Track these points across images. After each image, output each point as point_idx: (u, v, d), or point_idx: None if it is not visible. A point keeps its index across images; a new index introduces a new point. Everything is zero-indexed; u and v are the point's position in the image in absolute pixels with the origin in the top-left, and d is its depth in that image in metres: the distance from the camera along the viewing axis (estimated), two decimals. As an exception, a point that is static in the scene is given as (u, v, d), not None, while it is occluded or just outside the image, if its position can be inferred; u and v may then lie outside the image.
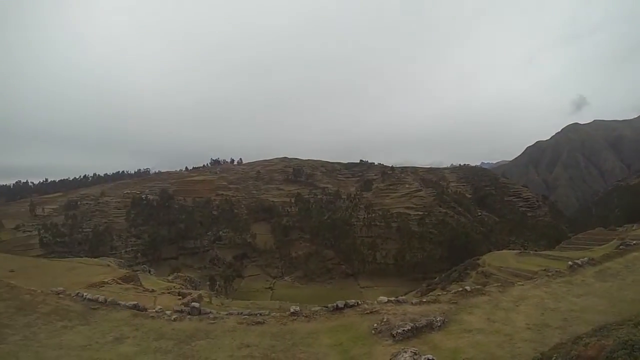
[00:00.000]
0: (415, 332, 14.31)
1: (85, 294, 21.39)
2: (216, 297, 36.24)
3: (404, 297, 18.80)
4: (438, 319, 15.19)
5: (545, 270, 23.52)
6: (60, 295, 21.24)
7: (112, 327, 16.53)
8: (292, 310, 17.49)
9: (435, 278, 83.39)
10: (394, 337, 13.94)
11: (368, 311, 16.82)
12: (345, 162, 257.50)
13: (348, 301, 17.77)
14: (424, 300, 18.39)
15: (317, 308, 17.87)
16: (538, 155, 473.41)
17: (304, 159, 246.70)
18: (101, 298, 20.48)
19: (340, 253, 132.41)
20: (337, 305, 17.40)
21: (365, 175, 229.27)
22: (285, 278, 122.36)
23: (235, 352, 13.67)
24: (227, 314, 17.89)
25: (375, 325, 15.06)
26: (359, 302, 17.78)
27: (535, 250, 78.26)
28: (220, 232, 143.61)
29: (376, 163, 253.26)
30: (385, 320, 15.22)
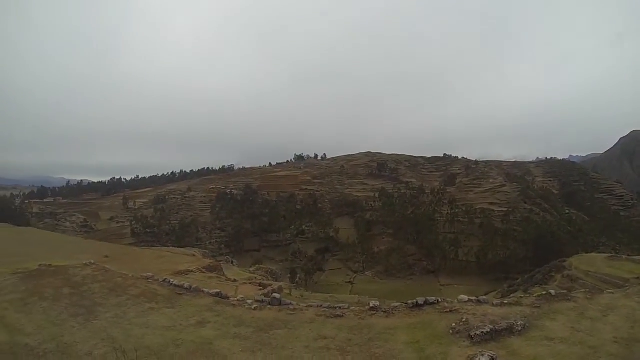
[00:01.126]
0: (494, 335, 14.35)
1: (172, 280, 24.68)
2: (296, 289, 38.63)
3: (485, 297, 18.68)
4: (519, 323, 15.06)
5: (638, 278, 21.71)
6: (149, 280, 24.73)
7: (195, 312, 18.98)
8: (371, 305, 18.36)
9: (517, 279, 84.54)
10: (471, 338, 14.14)
11: (447, 310, 17.07)
12: (429, 156, 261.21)
13: (428, 298, 18.15)
14: (505, 302, 18.13)
15: (397, 304, 18.51)
16: (633, 147, 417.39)
17: (388, 153, 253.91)
18: (186, 285, 23.57)
19: (422, 249, 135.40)
20: (416, 302, 17.89)
21: (449, 169, 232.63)
22: (366, 273, 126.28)
23: (311, 343, 14.94)
24: (306, 306, 19.38)
25: (453, 324, 15.33)
26: (439, 300, 18.07)
27: (629, 255, 72.02)
28: (304, 226, 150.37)
29: (460, 157, 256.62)
30: (464, 320, 15.43)
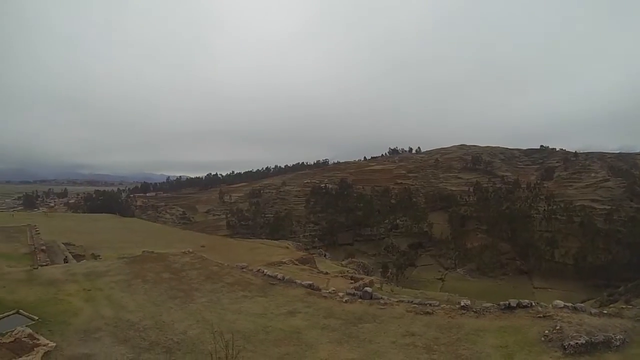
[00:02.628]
0: (589, 347, 13.22)
1: (265, 270, 25.96)
2: (387, 284, 38.57)
3: (582, 305, 17.21)
4: (618, 337, 13.66)
5: None
6: (244, 270, 26.22)
7: (287, 302, 19.86)
8: (462, 303, 17.89)
9: (619, 287, 79.23)
10: (564, 348, 13.21)
11: (541, 315, 16.06)
12: (525, 148, 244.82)
13: (521, 301, 17.20)
14: (604, 312, 16.50)
15: (488, 304, 17.82)
16: None
17: (482, 145, 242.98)
18: (279, 275, 24.65)
19: (516, 247, 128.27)
20: (509, 304, 17.11)
21: (546, 162, 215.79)
22: (458, 270, 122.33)
23: (399, 338, 14.98)
24: (396, 301, 19.34)
25: (546, 331, 14.43)
26: (532, 304, 17.04)
27: None
28: (398, 221, 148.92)
29: (557, 148, 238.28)
30: (557, 328, 14.44)
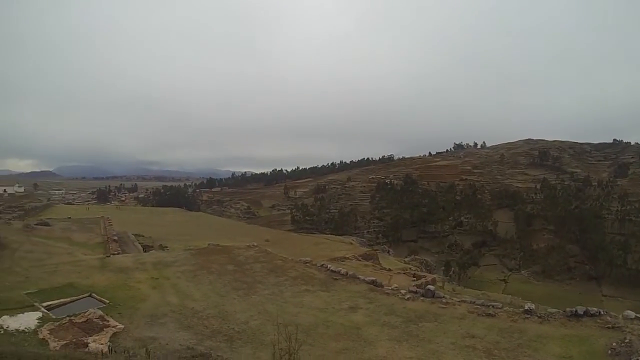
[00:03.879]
0: None
1: (329, 265, 26.23)
2: (448, 282, 37.69)
3: None
4: None
5: None
6: (307, 264, 26.71)
7: (349, 297, 20.02)
8: (526, 307, 17.27)
9: None
10: None
11: (609, 326, 14.99)
12: (596, 142, 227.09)
13: (589, 309, 16.18)
14: None
15: (553, 310, 17.08)
16: None
17: (550, 140, 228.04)
18: (342, 271, 24.89)
19: (585, 250, 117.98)
20: (575, 311, 16.16)
21: (620, 157, 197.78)
22: (522, 272, 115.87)
23: (458, 340, 14.67)
24: (459, 301, 19.00)
25: (613, 344, 13.42)
26: (601, 312, 16.01)
27: None
28: (462, 218, 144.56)
29: (632, 142, 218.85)
30: (627, 341, 13.39)
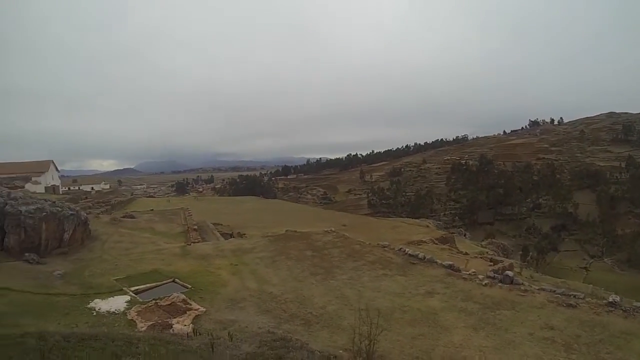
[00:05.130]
0: None
1: (406, 249, 25.87)
2: (526, 268, 35.77)
3: None
4: None
5: None
6: (385, 249, 26.51)
7: (426, 282, 19.73)
8: (610, 299, 16.07)
9: None
10: None
11: None
12: None
13: None
14: None
15: (639, 304, 15.73)
16: None
17: (635, 112, 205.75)
18: (420, 255, 24.52)
19: None
20: None
21: None
22: (605, 259, 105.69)
23: (536, 330, 13.95)
24: (538, 289, 18.09)
25: None
26: None
27: None
28: (540, 200, 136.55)
29: None
30: None
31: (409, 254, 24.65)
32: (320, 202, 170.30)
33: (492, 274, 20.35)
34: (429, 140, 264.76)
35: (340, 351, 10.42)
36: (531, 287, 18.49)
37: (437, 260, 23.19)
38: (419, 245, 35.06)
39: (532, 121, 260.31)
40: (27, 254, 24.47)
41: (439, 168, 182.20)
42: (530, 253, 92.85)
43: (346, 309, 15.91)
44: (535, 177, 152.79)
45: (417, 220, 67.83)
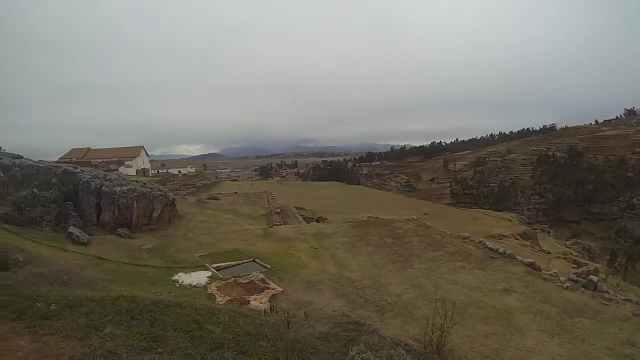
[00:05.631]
0: None
1: (487, 242, 24.97)
2: (613, 275, 32.57)
3: None
4: None
5: None
6: (465, 240, 25.81)
7: (504, 278, 18.93)
8: None
9: None
10: None
11: None
12: None
13: None
14: None
15: None
16: None
17: None
18: (501, 249, 23.61)
19: None
20: None
21: None
22: None
23: (616, 345, 12.73)
24: (623, 299, 16.59)
25: None
26: None
27: None
28: (634, 199, 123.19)
29: None
30: None
31: (489, 248, 23.84)
32: (403, 190, 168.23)
33: (574, 277, 19.00)
34: (514, 129, 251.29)
35: (410, 341, 10.24)
36: (616, 296, 17.05)
37: (518, 257, 22.22)
38: (500, 239, 33.54)
39: (628, 110, 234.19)
40: (119, 229, 26.65)
41: (524, 159, 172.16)
42: (619, 259, 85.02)
43: (421, 299, 15.66)
44: (629, 173, 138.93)
45: (499, 213, 64.50)
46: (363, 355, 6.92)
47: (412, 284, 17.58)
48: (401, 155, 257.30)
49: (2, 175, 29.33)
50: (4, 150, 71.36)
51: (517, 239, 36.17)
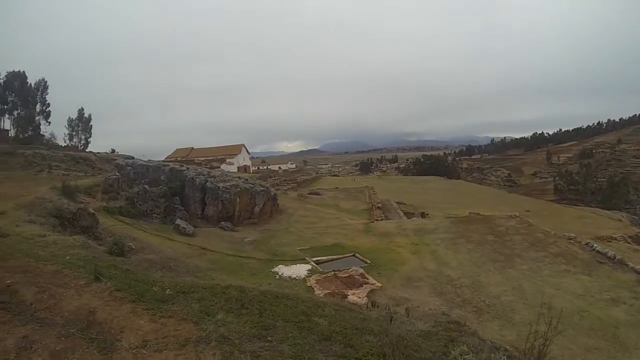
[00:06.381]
0: None
1: (594, 245, 22.89)
2: None
3: None
4: None
5: None
6: (570, 241, 24.02)
7: (612, 287, 17.09)
8: None
9: None
10: None
11: None
12: None
13: None
14: None
15: None
16: None
17: None
18: (610, 253, 21.29)
19: None
20: None
21: None
22: None
23: None
24: None
25: None
26: None
27: None
28: None
29: None
30: None
31: (597, 251, 21.73)
32: (504, 185, 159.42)
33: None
34: (625, 116, 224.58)
35: (508, 347, 9.84)
36: None
37: (629, 263, 19.91)
38: (608, 242, 30.36)
39: None
40: (222, 223, 28.35)
41: (638, 150, 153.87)
42: None
43: (520, 303, 14.83)
44: None
45: (608, 211, 58.47)
46: (466, 356, 6.82)
47: (512, 286, 16.72)
48: (501, 148, 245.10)
49: (117, 174, 32.63)
50: (117, 152, 79.32)
51: (629, 243, 32.68)
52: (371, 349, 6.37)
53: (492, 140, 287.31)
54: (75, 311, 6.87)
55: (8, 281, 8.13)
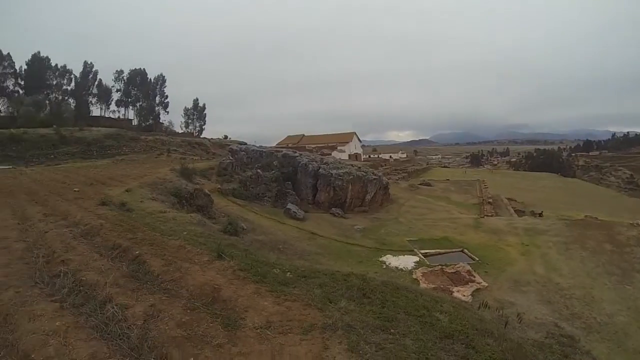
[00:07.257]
0: None
1: None
2: None
3: None
4: None
5: None
6: None
7: None
8: None
9: None
10: None
11: None
12: None
13: None
14: None
15: None
16: None
17: None
18: None
19: None
20: None
21: None
22: None
23: None
24: None
25: None
26: None
27: None
28: None
29: None
30: None
31: None
32: (625, 187, 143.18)
33: None
34: None
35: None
36: None
37: None
38: None
39: None
40: (333, 209, 28.87)
41: None
42: None
43: (635, 326, 13.11)
44: None
45: None
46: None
47: (628, 305, 14.84)
48: (624, 145, 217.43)
49: (231, 158, 34.64)
50: (230, 138, 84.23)
51: None
52: (493, 354, 6.18)
53: (614, 135, 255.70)
54: (200, 286, 7.22)
55: (137, 252, 8.89)
